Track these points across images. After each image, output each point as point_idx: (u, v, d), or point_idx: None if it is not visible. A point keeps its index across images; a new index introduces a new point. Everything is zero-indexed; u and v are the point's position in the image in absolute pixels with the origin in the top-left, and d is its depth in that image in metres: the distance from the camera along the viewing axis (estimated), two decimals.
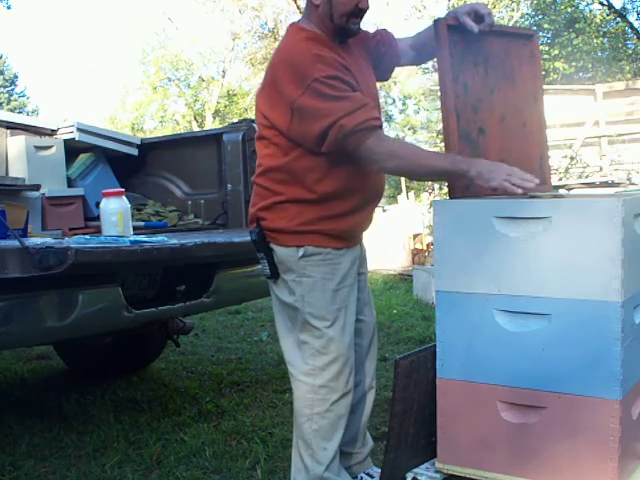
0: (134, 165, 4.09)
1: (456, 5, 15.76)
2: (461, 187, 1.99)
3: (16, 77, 33.15)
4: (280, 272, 2.14)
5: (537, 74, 2.26)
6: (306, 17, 2.15)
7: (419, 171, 2.07)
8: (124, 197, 3.12)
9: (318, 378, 2.14)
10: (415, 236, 9.18)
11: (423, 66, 18.19)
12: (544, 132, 2.25)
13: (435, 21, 2.05)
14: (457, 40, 2.03)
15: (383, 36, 2.31)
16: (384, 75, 2.38)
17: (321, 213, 2.09)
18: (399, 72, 24.01)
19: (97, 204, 3.48)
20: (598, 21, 16.25)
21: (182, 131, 21.85)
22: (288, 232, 2.10)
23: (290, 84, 2.00)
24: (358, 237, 2.25)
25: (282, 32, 14.78)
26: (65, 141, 3.86)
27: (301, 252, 2.10)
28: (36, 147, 3.72)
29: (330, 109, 1.96)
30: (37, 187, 3.47)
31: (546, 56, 15.30)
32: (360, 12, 2.10)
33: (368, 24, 2.39)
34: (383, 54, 2.30)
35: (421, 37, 2.29)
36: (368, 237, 2.33)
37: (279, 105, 2.04)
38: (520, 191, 1.85)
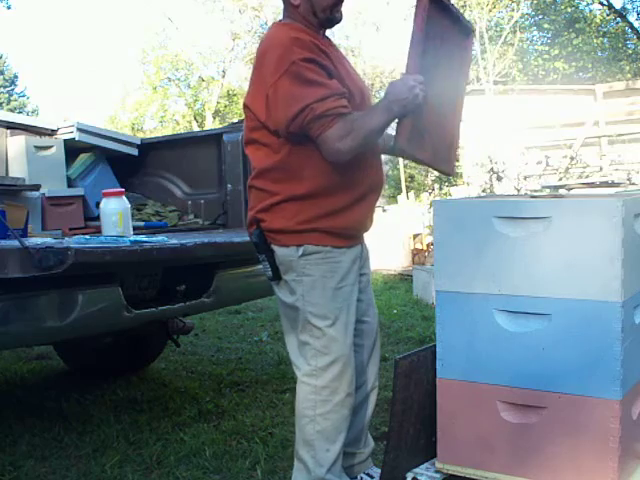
0: (134, 165, 4.09)
1: (456, 5, 15.75)
2: (405, 136, 2.00)
3: (16, 77, 33.15)
4: (282, 273, 2.14)
5: (465, 68, 2.32)
6: (286, 17, 2.19)
7: (371, 142, 2.11)
8: (124, 197, 3.12)
9: (320, 379, 2.13)
10: (415, 236, 9.16)
11: None
12: (458, 123, 2.28)
13: None
14: (432, 16, 2.04)
15: None
16: None
17: (319, 210, 2.08)
18: (399, 70, 23.99)
19: (97, 204, 3.48)
20: (598, 21, 16.28)
21: (182, 131, 21.85)
22: (288, 232, 2.10)
23: (270, 68, 2.02)
24: (359, 236, 2.24)
25: None
26: (65, 141, 3.86)
27: (300, 251, 2.09)
28: (36, 147, 3.72)
29: (304, 94, 1.98)
30: (37, 187, 3.47)
31: (546, 56, 15.31)
32: (341, 1, 2.14)
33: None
34: None
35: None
36: (368, 237, 2.32)
37: (260, 93, 2.06)
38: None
